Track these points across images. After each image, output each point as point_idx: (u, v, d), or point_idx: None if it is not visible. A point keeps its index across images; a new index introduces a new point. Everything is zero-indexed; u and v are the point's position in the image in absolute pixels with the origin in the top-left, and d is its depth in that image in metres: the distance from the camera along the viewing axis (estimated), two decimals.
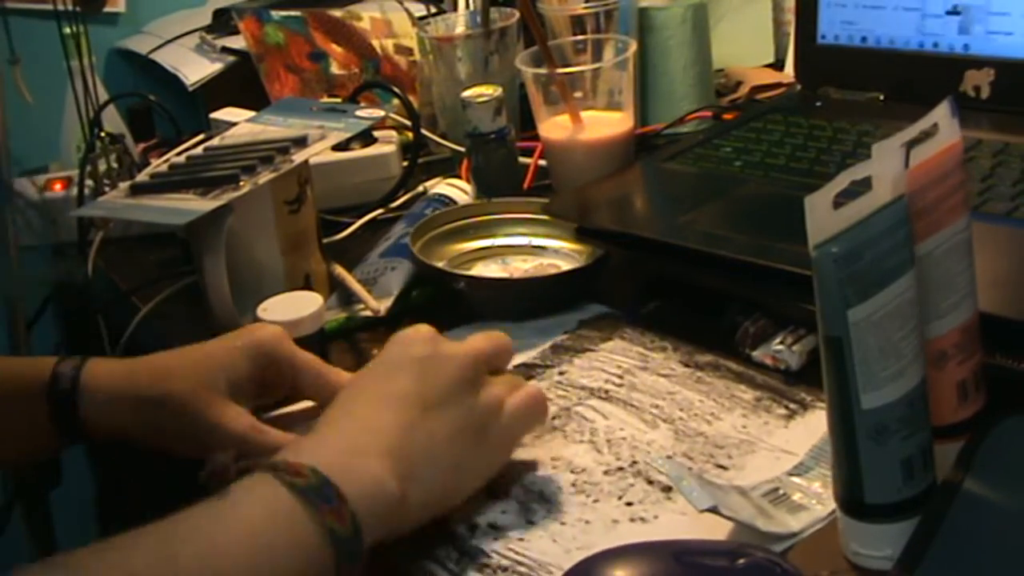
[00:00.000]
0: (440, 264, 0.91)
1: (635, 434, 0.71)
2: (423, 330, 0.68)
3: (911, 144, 0.55)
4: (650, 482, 0.66)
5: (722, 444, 0.69)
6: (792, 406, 0.72)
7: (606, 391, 0.76)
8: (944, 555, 0.52)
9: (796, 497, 0.62)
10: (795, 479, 0.64)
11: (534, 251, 0.94)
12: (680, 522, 0.63)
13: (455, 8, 1.33)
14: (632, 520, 0.64)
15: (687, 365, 0.78)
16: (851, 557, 0.57)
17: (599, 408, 0.75)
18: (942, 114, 0.57)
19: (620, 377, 0.78)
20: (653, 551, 0.57)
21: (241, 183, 0.86)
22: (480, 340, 0.69)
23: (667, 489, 0.66)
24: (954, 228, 0.57)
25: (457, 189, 1.01)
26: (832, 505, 0.59)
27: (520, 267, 0.92)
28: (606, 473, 0.68)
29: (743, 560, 0.55)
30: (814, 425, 0.69)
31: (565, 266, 0.91)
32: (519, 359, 0.81)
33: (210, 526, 0.56)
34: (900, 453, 0.55)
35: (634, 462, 0.69)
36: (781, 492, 0.62)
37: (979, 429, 0.58)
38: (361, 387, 0.66)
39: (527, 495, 0.67)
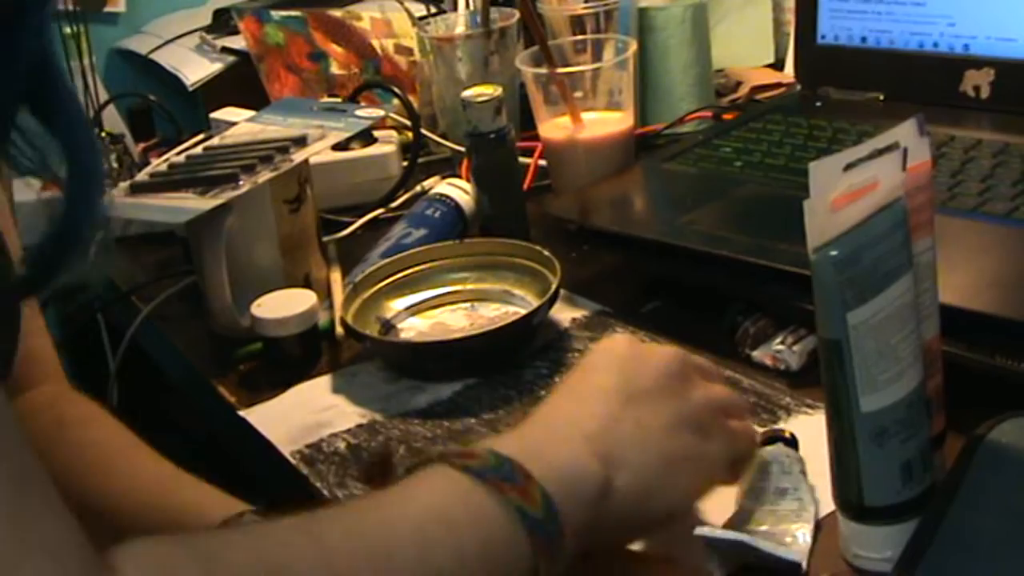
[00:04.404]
0: (388, 314, 0.88)
1: None
2: (624, 335, 0.65)
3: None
4: None
5: None
6: (778, 412, 0.72)
7: None
8: (944, 557, 0.52)
9: (763, 541, 0.58)
10: (748, 527, 0.60)
11: (503, 297, 0.89)
12: None
13: (455, 8, 1.33)
14: None
15: None
16: (851, 559, 0.57)
17: None
18: (908, 132, 0.55)
19: None
20: None
21: (241, 182, 0.86)
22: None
23: None
24: (922, 244, 0.57)
25: (457, 188, 1.01)
26: (806, 534, 0.59)
27: (486, 315, 0.88)
28: None
29: None
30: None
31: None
32: None
33: (370, 511, 0.51)
34: (899, 455, 0.54)
35: None
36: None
37: (979, 429, 0.58)
38: (560, 387, 0.62)
39: None
